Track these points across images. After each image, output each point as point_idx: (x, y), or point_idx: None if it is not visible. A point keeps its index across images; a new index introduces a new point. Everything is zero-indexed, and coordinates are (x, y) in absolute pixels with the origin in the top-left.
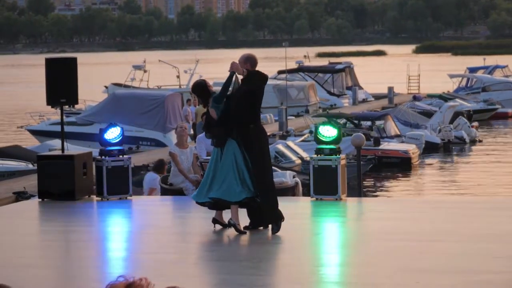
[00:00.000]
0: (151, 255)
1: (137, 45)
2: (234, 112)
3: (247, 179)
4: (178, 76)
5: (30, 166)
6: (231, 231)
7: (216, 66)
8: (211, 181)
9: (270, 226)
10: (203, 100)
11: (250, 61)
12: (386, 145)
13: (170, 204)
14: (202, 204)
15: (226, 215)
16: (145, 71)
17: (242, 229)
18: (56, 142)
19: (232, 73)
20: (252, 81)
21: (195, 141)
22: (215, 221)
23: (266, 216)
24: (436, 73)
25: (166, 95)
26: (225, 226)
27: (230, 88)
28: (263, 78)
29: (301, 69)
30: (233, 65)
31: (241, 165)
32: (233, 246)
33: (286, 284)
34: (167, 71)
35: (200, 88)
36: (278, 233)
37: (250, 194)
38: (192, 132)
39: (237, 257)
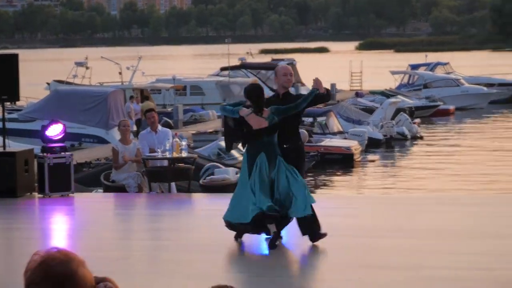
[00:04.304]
0: (93, 252)
1: (80, 42)
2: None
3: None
4: (120, 73)
5: None
6: (172, 227)
7: (159, 62)
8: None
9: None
10: (257, 106)
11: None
12: (328, 142)
13: (112, 201)
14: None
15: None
16: (87, 68)
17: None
18: None
19: (315, 90)
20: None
21: (137, 138)
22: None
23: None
24: (379, 70)
25: (108, 92)
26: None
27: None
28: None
29: (243, 65)
30: (318, 82)
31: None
32: (177, 242)
33: (227, 281)
34: (110, 67)
35: (258, 93)
36: (221, 229)
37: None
38: (135, 128)
39: (180, 254)
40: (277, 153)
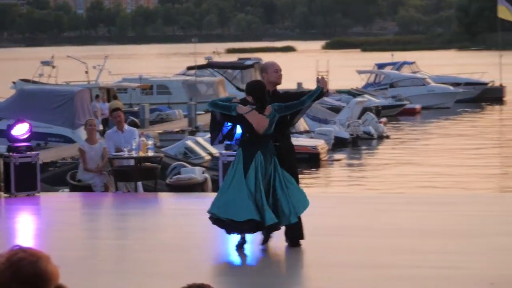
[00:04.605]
0: (59, 252)
1: (46, 41)
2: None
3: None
4: (86, 72)
5: None
6: (138, 227)
7: (125, 61)
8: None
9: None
10: (261, 104)
11: None
12: (295, 141)
13: (78, 201)
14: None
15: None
16: (53, 67)
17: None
18: None
19: (320, 88)
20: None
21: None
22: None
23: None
24: (345, 69)
25: (75, 91)
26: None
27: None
28: None
29: (210, 65)
30: (324, 81)
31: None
32: (143, 241)
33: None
34: (76, 67)
35: (262, 90)
36: (188, 229)
37: None
38: (101, 128)
39: (146, 253)
40: (273, 152)
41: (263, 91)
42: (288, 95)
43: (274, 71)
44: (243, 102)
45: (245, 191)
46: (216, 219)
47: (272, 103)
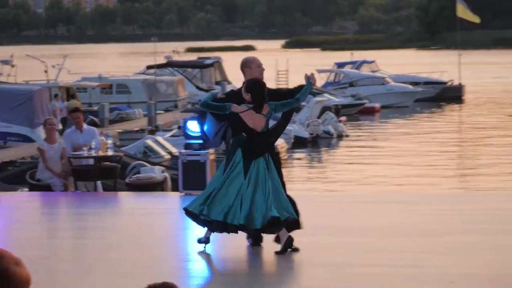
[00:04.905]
0: (18, 251)
1: (5, 40)
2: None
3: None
4: (46, 71)
5: None
6: (98, 226)
7: (85, 61)
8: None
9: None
10: (260, 104)
11: None
12: None
13: (38, 200)
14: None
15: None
16: (12, 66)
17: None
18: None
19: (311, 85)
20: None
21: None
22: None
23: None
24: (305, 68)
25: (34, 90)
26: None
27: None
28: None
29: (170, 64)
30: (314, 78)
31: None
32: (103, 241)
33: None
34: (35, 66)
35: (261, 89)
36: (147, 228)
37: None
38: (60, 127)
39: (106, 253)
40: (265, 151)
41: (263, 90)
42: (279, 93)
43: (257, 66)
44: (231, 95)
45: (234, 192)
46: (205, 221)
47: (269, 102)
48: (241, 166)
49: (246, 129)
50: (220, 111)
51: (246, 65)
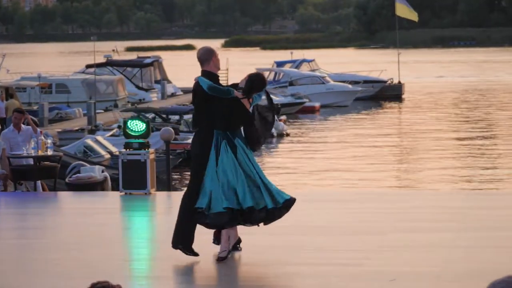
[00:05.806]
0: None
1: None
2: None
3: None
4: None
5: None
6: (38, 226)
7: (24, 60)
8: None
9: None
10: (249, 94)
11: None
12: (189, 139)
13: None
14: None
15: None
16: None
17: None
18: None
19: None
20: None
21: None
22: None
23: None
24: (245, 67)
25: None
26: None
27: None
28: None
29: (109, 63)
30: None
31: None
32: (43, 241)
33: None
34: None
35: (263, 85)
36: (88, 228)
37: None
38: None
39: (47, 252)
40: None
41: (263, 86)
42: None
43: (217, 55)
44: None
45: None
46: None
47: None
48: (232, 156)
49: (246, 112)
50: (227, 95)
51: (212, 54)
